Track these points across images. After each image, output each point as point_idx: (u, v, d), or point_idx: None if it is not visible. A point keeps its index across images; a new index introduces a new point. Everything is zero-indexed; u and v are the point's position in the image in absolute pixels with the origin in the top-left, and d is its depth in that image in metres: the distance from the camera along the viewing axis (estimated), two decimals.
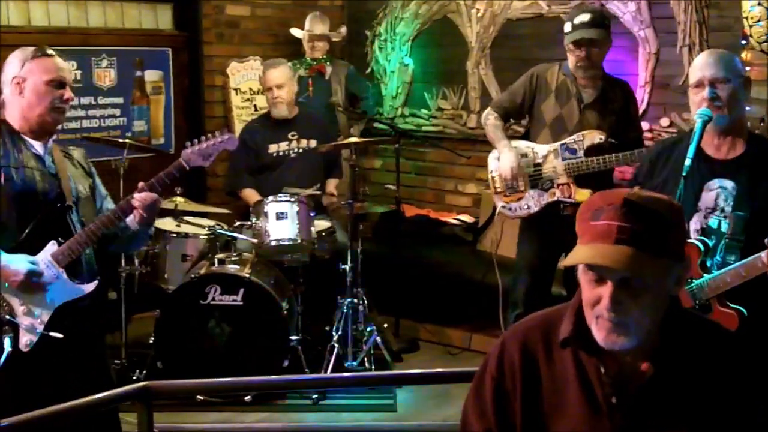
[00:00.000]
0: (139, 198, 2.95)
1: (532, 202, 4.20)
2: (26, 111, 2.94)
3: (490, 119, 4.31)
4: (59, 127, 3.07)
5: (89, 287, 2.95)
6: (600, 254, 1.64)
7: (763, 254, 2.60)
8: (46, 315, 2.89)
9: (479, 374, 1.89)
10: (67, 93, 2.96)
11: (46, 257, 2.90)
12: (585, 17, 4.05)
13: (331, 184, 5.33)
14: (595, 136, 4.08)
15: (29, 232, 2.89)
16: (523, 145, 4.24)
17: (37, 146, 2.97)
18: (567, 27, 4.11)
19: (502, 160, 4.20)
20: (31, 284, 2.86)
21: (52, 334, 2.87)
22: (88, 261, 3.01)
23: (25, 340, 2.86)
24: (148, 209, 2.97)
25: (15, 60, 2.96)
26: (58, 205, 2.92)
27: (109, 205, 3.13)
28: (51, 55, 2.97)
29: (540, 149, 4.19)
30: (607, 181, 4.14)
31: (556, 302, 1.91)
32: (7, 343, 2.80)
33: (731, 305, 2.69)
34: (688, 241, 2.73)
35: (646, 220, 1.64)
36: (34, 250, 2.89)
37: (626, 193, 1.67)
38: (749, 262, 2.64)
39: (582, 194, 4.08)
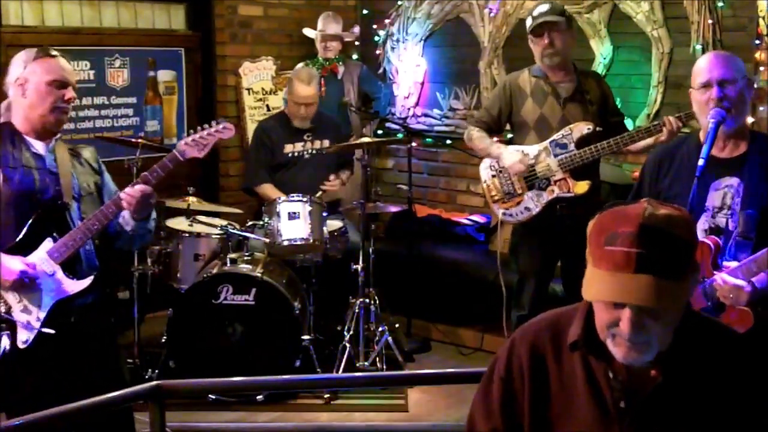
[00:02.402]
0: (126, 194, 2.93)
1: (531, 203, 4.20)
2: (28, 111, 2.97)
3: (474, 133, 4.35)
4: (66, 127, 3.10)
5: (80, 284, 2.95)
6: (622, 289, 1.60)
7: None
8: (42, 312, 2.91)
9: (487, 375, 1.89)
10: (69, 93, 2.96)
11: (42, 254, 2.92)
12: (543, 7, 4.16)
13: (343, 174, 5.31)
14: (583, 128, 4.11)
15: (27, 230, 2.92)
16: (512, 149, 4.25)
17: (39, 146, 2.99)
18: (528, 21, 4.20)
19: (507, 160, 4.20)
20: (25, 283, 2.89)
21: (45, 330, 2.90)
22: (87, 257, 3.01)
23: (23, 337, 2.89)
24: (139, 204, 2.94)
25: (18, 61, 2.98)
26: (58, 202, 2.94)
27: None
28: (54, 56, 2.97)
29: (530, 150, 4.19)
30: (595, 169, 4.24)
31: (554, 302, 1.90)
32: (5, 341, 2.85)
33: None
34: (699, 240, 2.72)
35: (664, 246, 1.60)
36: (32, 247, 2.92)
37: (641, 216, 1.61)
38: (760, 258, 2.64)
39: (580, 186, 4.11)
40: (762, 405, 1.71)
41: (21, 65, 2.96)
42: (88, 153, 3.15)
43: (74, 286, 2.94)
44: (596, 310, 1.70)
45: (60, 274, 2.93)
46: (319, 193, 5.01)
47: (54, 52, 2.99)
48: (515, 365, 1.81)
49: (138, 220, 3.03)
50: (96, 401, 2.36)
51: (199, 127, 3.09)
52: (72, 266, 2.95)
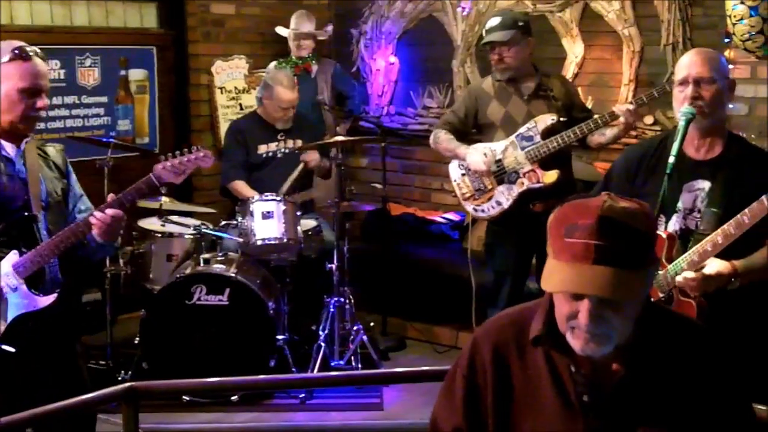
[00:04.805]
0: (96, 219, 2.83)
1: (502, 197, 4.23)
2: None
3: (441, 135, 4.40)
4: (36, 126, 2.97)
5: (46, 300, 2.85)
6: (581, 280, 1.61)
7: (718, 237, 2.63)
8: (2, 325, 2.81)
9: (451, 373, 1.89)
10: (41, 101, 2.82)
11: (7, 268, 2.81)
12: (494, 21, 4.24)
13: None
14: (547, 119, 4.16)
15: None
16: (479, 146, 4.29)
17: (9, 148, 2.87)
18: (483, 32, 4.27)
19: (471, 158, 4.25)
20: None
21: (4, 347, 2.78)
22: (51, 271, 2.90)
23: None
24: (109, 228, 2.83)
25: None
26: (25, 214, 2.83)
27: (83, 205, 3.03)
28: (29, 58, 2.81)
29: (497, 146, 4.24)
30: (566, 159, 4.28)
31: (531, 300, 1.90)
32: None
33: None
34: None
35: (623, 237, 1.61)
36: None
37: (600, 208, 1.63)
38: (701, 250, 2.67)
39: (549, 176, 4.16)
40: (724, 394, 1.73)
41: None
42: (54, 152, 3.02)
43: (39, 301, 2.84)
44: (556, 303, 1.71)
45: (24, 289, 2.82)
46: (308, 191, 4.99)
47: (31, 52, 2.82)
48: (478, 363, 1.82)
49: (105, 240, 2.90)
50: (69, 403, 2.34)
51: (177, 152, 2.97)
52: (36, 280, 2.85)
